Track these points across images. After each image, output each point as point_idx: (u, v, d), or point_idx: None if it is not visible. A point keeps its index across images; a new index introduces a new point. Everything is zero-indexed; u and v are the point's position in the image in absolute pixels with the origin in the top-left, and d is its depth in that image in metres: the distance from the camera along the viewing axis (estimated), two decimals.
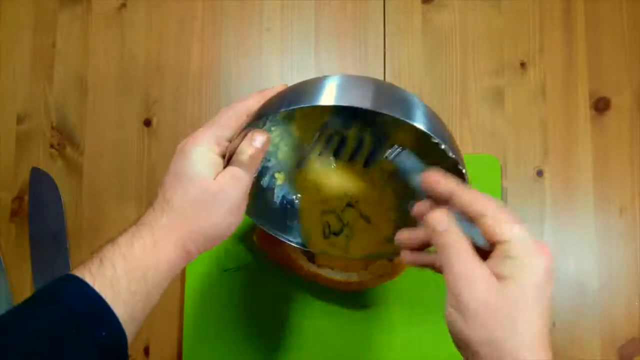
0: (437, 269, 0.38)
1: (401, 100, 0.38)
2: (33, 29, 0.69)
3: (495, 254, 0.34)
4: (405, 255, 0.41)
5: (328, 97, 0.37)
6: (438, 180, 0.37)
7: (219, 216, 0.40)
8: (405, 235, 0.40)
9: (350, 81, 0.40)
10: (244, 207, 0.42)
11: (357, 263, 0.58)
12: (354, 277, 0.58)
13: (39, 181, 0.66)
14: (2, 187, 0.67)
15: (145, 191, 0.66)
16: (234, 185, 0.40)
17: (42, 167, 0.67)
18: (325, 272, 0.58)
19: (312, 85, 0.39)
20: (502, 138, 0.65)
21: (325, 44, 0.67)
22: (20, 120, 0.68)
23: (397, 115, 0.35)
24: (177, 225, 0.39)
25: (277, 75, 0.67)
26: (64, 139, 0.67)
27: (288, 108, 0.38)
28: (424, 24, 0.67)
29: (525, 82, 0.65)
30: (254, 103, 0.41)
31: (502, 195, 0.63)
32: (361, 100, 0.36)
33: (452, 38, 0.66)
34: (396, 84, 0.65)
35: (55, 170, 0.67)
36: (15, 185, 0.67)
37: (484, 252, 0.35)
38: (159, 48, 0.68)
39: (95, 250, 0.38)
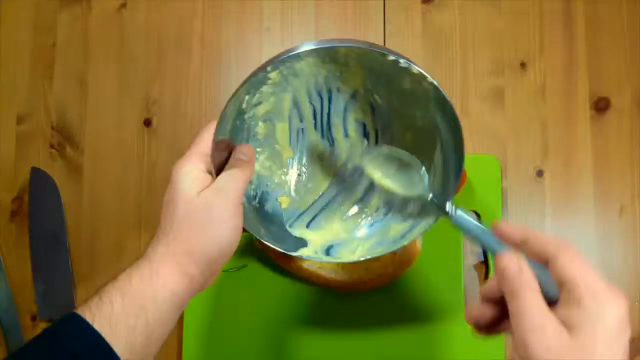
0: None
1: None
2: (33, 29, 0.69)
3: (565, 299, 0.33)
4: (481, 333, 0.39)
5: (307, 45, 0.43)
6: (511, 228, 0.37)
7: (210, 230, 0.39)
8: (475, 313, 0.39)
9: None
10: (236, 221, 0.40)
11: (358, 263, 0.58)
12: (354, 277, 0.58)
13: (39, 181, 0.66)
14: (2, 187, 0.67)
15: (145, 191, 0.66)
16: (219, 196, 0.39)
17: (42, 167, 0.67)
18: (326, 272, 0.58)
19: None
20: (502, 138, 0.65)
21: None
22: (20, 120, 0.68)
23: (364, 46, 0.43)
24: (172, 249, 0.38)
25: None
26: (64, 139, 0.67)
27: (270, 64, 0.43)
28: (424, 24, 0.67)
29: (525, 82, 0.65)
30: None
31: (502, 195, 0.63)
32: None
33: (452, 38, 0.66)
34: None
35: (55, 170, 0.67)
36: (15, 185, 0.67)
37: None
38: (159, 48, 0.68)
39: (98, 288, 0.38)
